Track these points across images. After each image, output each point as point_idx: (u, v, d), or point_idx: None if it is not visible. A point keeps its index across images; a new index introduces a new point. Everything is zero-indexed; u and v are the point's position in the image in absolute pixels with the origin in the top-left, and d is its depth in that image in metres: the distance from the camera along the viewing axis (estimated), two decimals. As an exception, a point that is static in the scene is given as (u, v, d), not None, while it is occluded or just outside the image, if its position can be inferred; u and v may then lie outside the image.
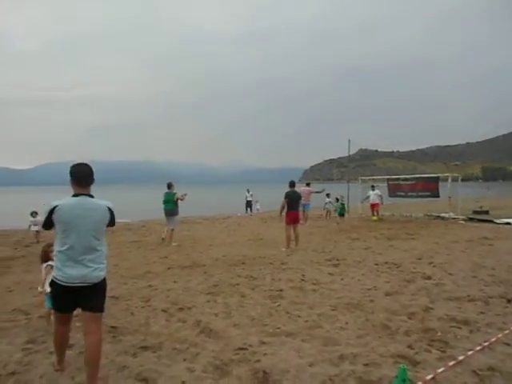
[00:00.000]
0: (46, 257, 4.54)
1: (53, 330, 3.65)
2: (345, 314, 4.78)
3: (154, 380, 3.19)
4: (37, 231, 12.41)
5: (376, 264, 7.74)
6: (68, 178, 3.24)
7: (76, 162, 3.40)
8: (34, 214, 12.63)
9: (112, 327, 4.43)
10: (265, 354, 3.64)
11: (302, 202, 16.58)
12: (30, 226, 12.72)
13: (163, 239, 11.77)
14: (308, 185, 17.59)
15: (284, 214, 10.23)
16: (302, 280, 6.56)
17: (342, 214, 16.83)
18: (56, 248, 3.19)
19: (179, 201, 11.39)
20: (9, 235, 14.18)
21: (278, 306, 5.18)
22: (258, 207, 25.45)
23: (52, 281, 3.21)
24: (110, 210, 3.29)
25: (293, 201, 10.21)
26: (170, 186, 11.49)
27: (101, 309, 3.21)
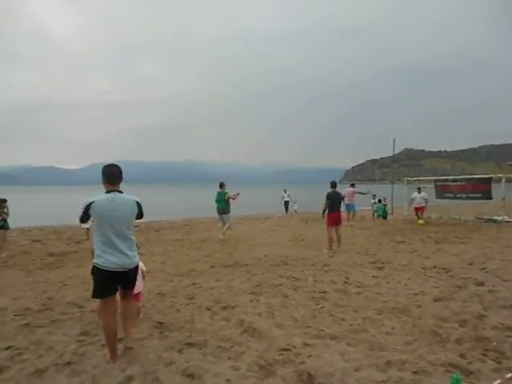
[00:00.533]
0: None
1: (115, 351, 3.76)
2: (391, 319, 4.64)
3: (200, 376, 3.25)
4: (87, 228, 13.02)
5: (423, 268, 7.47)
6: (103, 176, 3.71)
7: (107, 163, 3.87)
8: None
9: (159, 323, 4.57)
10: (309, 356, 3.61)
11: (346, 202, 16.35)
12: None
13: (223, 240, 12.00)
14: (353, 185, 17.28)
15: (326, 215, 10.10)
16: (346, 282, 6.44)
17: (383, 216, 16.37)
18: (95, 238, 3.63)
19: (231, 200, 11.88)
20: (62, 231, 14.99)
21: (322, 308, 5.12)
22: (296, 208, 25.10)
23: (93, 267, 3.61)
24: (138, 203, 3.80)
25: (335, 202, 10.07)
26: (222, 185, 12.15)
27: (132, 286, 3.87)
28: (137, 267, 3.80)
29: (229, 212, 12.05)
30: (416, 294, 5.65)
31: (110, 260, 3.51)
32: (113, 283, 3.61)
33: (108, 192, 3.68)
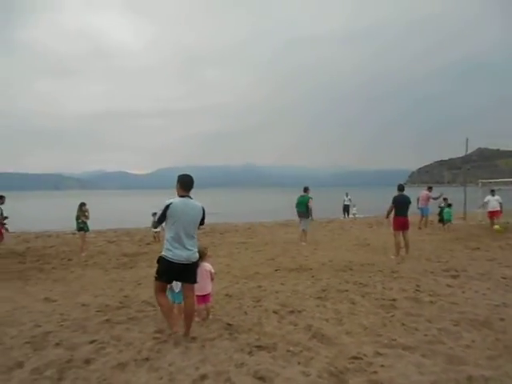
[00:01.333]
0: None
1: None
2: (470, 331, 4.35)
3: (271, 379, 3.28)
4: (157, 232, 13.68)
5: (504, 278, 6.91)
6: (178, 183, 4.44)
7: (183, 173, 4.58)
8: (154, 214, 13.96)
9: (228, 324, 4.68)
10: (382, 366, 3.50)
11: (419, 205, 15.61)
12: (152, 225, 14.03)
13: (302, 242, 12.11)
14: (430, 189, 16.38)
15: (391, 219, 9.72)
16: (417, 290, 6.15)
17: (447, 220, 15.30)
18: (167, 235, 4.30)
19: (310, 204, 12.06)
20: (134, 233, 15.91)
21: (392, 316, 4.93)
22: (355, 212, 24.31)
23: (161, 258, 4.31)
24: (203, 209, 4.49)
25: (402, 206, 9.62)
26: (306, 189, 12.39)
27: (194, 281, 4.44)
28: (196, 263, 4.42)
29: (308, 217, 12.21)
30: (497, 306, 5.24)
31: (178, 254, 4.21)
32: (173, 273, 4.32)
33: (182, 197, 4.39)
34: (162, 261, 4.30)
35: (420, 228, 15.31)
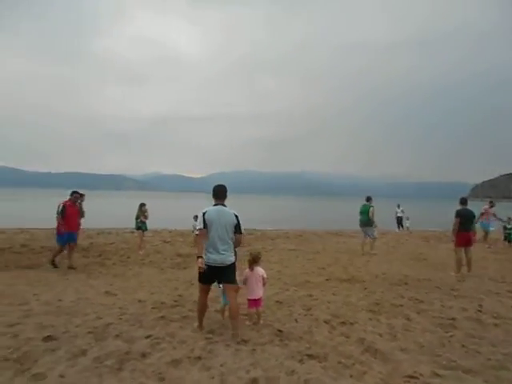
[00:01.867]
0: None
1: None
2: (542, 360, 4.01)
3: (322, 390, 3.24)
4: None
5: None
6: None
7: (217, 184, 4.91)
8: (196, 217, 14.25)
9: (278, 330, 4.68)
10: (440, 388, 3.33)
11: (481, 220, 14.66)
12: (193, 228, 14.33)
13: (363, 253, 12.02)
14: (491, 203, 15.30)
15: (454, 234, 9.18)
16: (479, 311, 5.78)
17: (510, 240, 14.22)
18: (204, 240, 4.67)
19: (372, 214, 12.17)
20: (187, 234, 16.38)
21: (452, 336, 4.67)
22: (408, 225, 23.12)
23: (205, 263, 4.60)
24: (235, 216, 4.71)
25: (466, 220, 9.07)
26: (368, 199, 12.52)
27: (233, 282, 4.74)
28: (232, 265, 4.69)
29: (371, 225, 12.30)
30: None
31: (212, 258, 4.59)
32: (210, 275, 4.67)
33: (215, 205, 4.77)
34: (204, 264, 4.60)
35: (490, 247, 14.31)
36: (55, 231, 9.16)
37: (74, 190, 9.64)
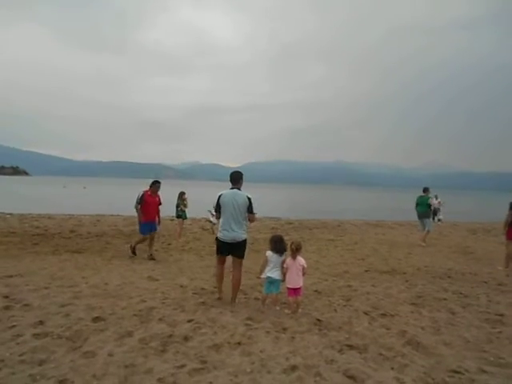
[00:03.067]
0: (285, 247, 5.22)
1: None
2: None
3: (362, 380, 3.21)
4: (214, 224, 13.68)
5: None
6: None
7: (234, 170, 5.59)
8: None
9: (317, 320, 4.68)
10: (487, 385, 3.22)
11: None
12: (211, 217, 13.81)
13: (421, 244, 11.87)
14: None
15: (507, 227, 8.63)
16: (530, 308, 5.50)
17: None
18: (220, 219, 5.42)
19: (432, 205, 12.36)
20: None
21: (499, 332, 4.49)
22: (441, 217, 22.20)
23: (216, 237, 5.49)
24: (248, 198, 5.32)
25: None
26: (425, 190, 12.42)
27: (241, 256, 5.43)
28: (243, 242, 5.36)
29: (429, 216, 12.30)
30: None
31: (226, 234, 5.30)
32: (224, 249, 5.40)
33: (231, 189, 5.43)
34: (216, 240, 5.49)
35: None
36: (138, 220, 9.20)
37: (155, 179, 9.43)
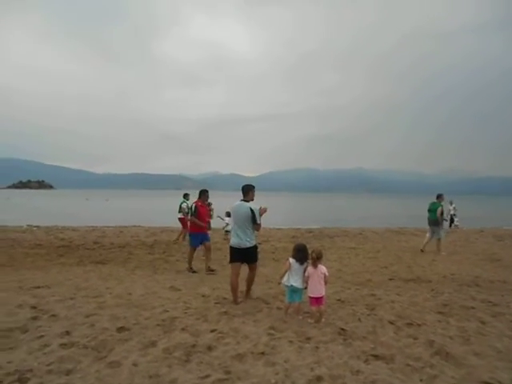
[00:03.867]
0: (307, 255, 5.18)
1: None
2: None
3: (390, 392, 3.14)
4: (228, 231, 13.74)
5: None
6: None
7: (245, 183, 6.20)
8: (228, 213, 14.07)
9: (341, 329, 4.60)
10: (521, 397, 3.09)
11: None
12: (226, 224, 14.04)
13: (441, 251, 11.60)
14: None
15: None
16: None
17: None
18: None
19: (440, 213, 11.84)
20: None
21: (533, 342, 4.31)
22: (457, 223, 21.57)
23: (230, 246, 6.04)
24: (251, 210, 5.82)
25: None
26: (438, 196, 12.26)
27: (253, 261, 6.07)
28: (253, 248, 5.95)
29: (439, 224, 11.91)
30: None
31: (234, 241, 5.93)
32: (236, 255, 5.92)
33: (241, 200, 6.04)
34: (229, 247, 6.04)
35: None
36: (186, 232, 9.18)
37: (204, 188, 9.29)
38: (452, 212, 21.75)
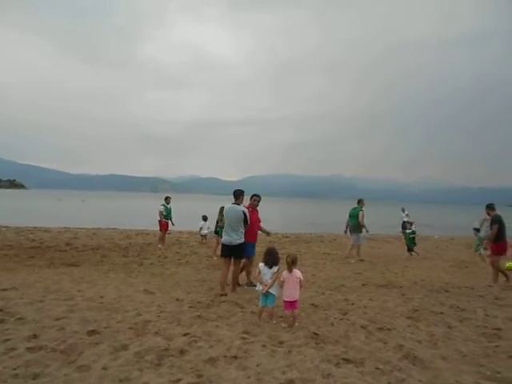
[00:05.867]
0: (276, 260, 5.26)
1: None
2: None
3: (359, 395, 3.19)
4: (203, 235, 13.78)
5: None
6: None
7: (236, 188, 7.08)
8: (204, 217, 14.03)
9: (314, 333, 4.65)
10: (484, 400, 3.20)
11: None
12: (200, 228, 14.10)
13: (350, 258, 11.52)
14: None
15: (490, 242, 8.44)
16: (527, 322, 5.49)
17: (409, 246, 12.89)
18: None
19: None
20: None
21: (497, 346, 4.47)
22: (414, 229, 21.73)
23: (222, 242, 6.97)
24: (244, 212, 6.76)
25: (504, 227, 8.28)
26: (359, 201, 11.98)
27: (240, 257, 6.92)
28: (240, 245, 6.73)
29: (357, 231, 11.51)
30: None
31: (225, 239, 6.83)
32: (227, 251, 6.80)
33: (233, 203, 6.91)
34: (221, 244, 6.97)
35: None
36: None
37: (255, 193, 7.87)
38: (405, 219, 21.86)
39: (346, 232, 11.97)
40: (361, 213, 11.42)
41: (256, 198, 7.74)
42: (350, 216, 11.75)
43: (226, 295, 6.46)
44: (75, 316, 5.01)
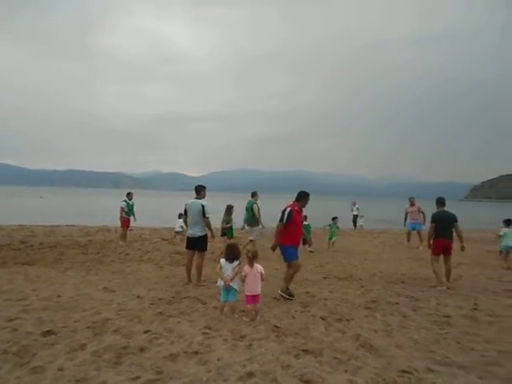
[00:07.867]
0: (237, 255, 5.31)
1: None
2: (534, 356, 4.06)
3: (317, 384, 3.28)
4: (176, 232, 13.69)
5: None
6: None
7: (197, 184, 7.64)
8: (180, 215, 13.53)
9: (275, 326, 4.73)
10: (433, 383, 3.38)
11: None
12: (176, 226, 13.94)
13: None
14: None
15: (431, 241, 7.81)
16: (475, 309, 5.82)
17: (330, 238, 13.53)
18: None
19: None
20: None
21: (446, 333, 4.72)
22: (362, 223, 22.66)
23: (187, 236, 7.55)
24: (202, 205, 7.19)
25: (443, 225, 7.65)
26: (253, 194, 11.25)
27: (202, 250, 7.34)
28: (202, 237, 7.26)
29: (253, 224, 11.04)
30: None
31: (189, 232, 7.41)
32: (190, 244, 7.35)
33: (195, 198, 7.40)
34: (186, 237, 7.56)
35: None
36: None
37: (302, 190, 6.83)
38: (355, 213, 22.58)
39: (243, 228, 11.58)
40: (255, 206, 10.81)
41: (308, 197, 6.70)
42: (246, 209, 11.16)
43: (190, 281, 7.26)
44: (29, 316, 4.83)
